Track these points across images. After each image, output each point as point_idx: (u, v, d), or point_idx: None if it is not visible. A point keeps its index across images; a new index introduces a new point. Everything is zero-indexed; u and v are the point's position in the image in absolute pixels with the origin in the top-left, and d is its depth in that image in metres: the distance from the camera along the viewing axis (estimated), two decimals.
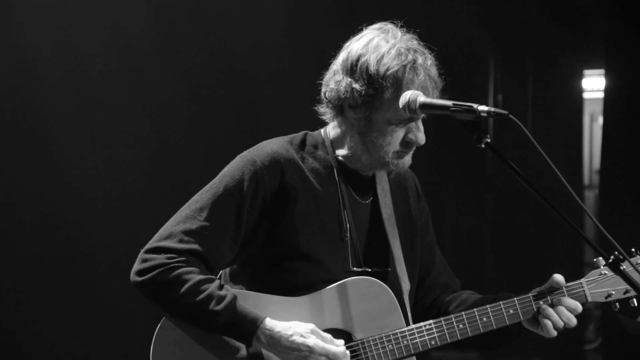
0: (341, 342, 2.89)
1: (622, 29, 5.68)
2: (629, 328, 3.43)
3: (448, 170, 6.02)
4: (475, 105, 2.70)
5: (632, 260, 2.97)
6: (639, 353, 5.49)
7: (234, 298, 2.87)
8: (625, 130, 5.70)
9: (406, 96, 2.87)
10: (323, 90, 3.02)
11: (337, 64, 3.00)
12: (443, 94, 2.97)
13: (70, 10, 5.12)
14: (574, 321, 2.99)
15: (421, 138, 2.97)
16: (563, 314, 2.97)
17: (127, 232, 4.46)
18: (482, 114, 2.68)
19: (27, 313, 5.19)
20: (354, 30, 3.05)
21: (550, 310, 2.97)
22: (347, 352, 2.89)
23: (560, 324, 2.97)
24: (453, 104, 2.74)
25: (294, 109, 4.27)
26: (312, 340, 2.84)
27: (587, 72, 6.57)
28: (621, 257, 2.48)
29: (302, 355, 2.84)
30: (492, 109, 2.66)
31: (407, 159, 3.01)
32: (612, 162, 5.86)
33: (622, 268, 2.49)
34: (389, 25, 3.00)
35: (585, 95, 6.62)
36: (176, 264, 2.86)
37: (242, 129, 5.42)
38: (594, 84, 6.95)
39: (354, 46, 2.97)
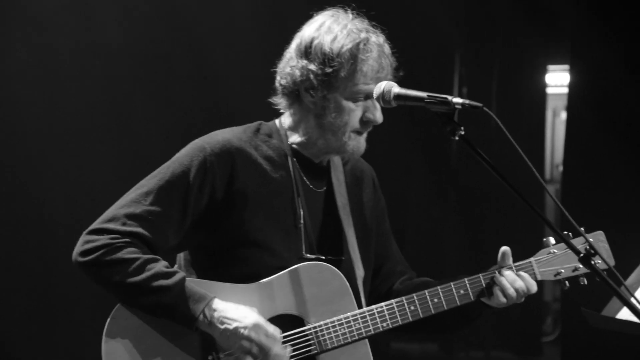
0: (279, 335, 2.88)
1: (588, 25, 5.72)
2: (592, 321, 3.46)
3: (412, 163, 6.04)
4: (450, 97, 2.68)
5: (581, 238, 2.98)
6: (596, 345, 5.56)
7: (184, 276, 2.86)
8: (588, 126, 5.75)
9: (380, 87, 2.86)
10: (278, 78, 3.01)
11: (291, 50, 3.00)
12: (397, 72, 2.97)
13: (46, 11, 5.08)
14: (532, 289, 2.99)
15: (379, 116, 2.96)
16: (516, 282, 2.97)
17: None
18: (457, 106, 2.66)
19: None
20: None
21: (502, 279, 2.98)
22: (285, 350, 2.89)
23: (511, 290, 2.96)
24: (428, 95, 2.71)
25: (250, 102, 4.17)
26: (254, 333, 2.83)
27: (551, 67, 6.64)
28: (592, 251, 2.49)
29: (246, 348, 2.83)
30: (467, 102, 2.64)
31: (362, 142, 2.99)
32: (574, 157, 5.91)
33: (592, 262, 2.50)
34: (339, 10, 3.01)
35: (549, 90, 6.69)
36: (120, 244, 2.83)
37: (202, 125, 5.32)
38: (557, 80, 7.03)
39: (306, 31, 2.98)
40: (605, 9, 5.64)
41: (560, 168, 6.65)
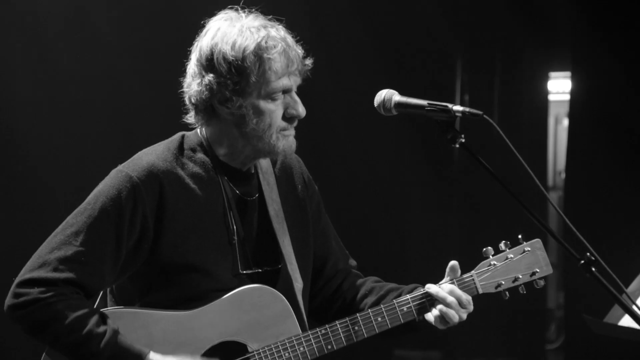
0: None
1: (589, 32, 5.73)
2: (595, 328, 3.46)
3: (415, 170, 6.04)
4: (450, 105, 2.69)
5: (519, 247, 3.02)
6: (599, 352, 5.55)
7: (114, 334, 2.76)
8: (590, 133, 5.76)
9: (381, 95, 2.84)
10: (187, 97, 2.90)
11: (192, 66, 2.89)
12: (305, 60, 2.89)
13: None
14: (463, 314, 2.95)
15: (301, 110, 2.87)
16: (452, 304, 2.94)
17: None
18: (457, 114, 2.67)
19: None
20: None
21: (440, 305, 2.94)
22: None
23: (456, 317, 2.94)
24: (428, 103, 2.72)
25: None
26: None
27: (552, 74, 6.64)
28: (593, 258, 2.48)
29: None
30: (467, 109, 2.65)
31: (292, 140, 2.90)
32: (577, 164, 5.92)
33: (592, 270, 2.50)
34: (230, 13, 2.90)
35: (551, 97, 6.68)
36: (51, 300, 2.73)
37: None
38: (559, 86, 7.03)
39: (203, 42, 2.86)
40: (605, 15, 5.65)
41: (563, 175, 6.64)
